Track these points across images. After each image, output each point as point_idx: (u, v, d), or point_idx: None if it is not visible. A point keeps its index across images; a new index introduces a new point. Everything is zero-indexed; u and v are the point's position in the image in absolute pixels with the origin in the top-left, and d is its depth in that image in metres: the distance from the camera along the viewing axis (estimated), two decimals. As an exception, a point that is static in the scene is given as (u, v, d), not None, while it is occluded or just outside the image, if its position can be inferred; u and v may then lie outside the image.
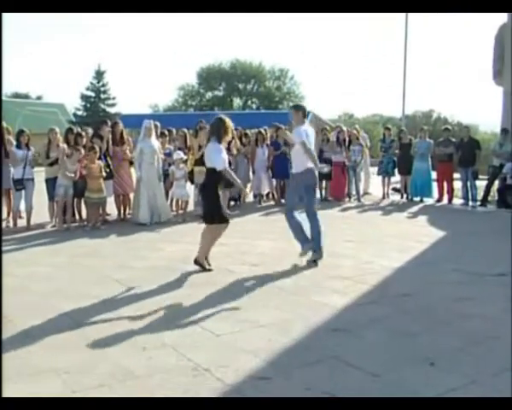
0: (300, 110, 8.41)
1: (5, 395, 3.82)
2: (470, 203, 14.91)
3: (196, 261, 7.73)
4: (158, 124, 12.96)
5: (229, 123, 7.79)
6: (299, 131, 8.18)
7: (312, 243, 8.17)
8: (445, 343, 5.05)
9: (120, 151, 12.15)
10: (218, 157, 7.59)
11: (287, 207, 8.52)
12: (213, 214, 7.72)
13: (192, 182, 12.79)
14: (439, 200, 15.54)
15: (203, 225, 7.94)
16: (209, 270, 7.65)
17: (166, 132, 14.03)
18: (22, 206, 11.26)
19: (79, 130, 12.72)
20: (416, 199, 15.69)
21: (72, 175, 10.87)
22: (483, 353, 4.83)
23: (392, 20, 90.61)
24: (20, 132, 11.31)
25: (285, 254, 8.63)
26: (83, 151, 11.17)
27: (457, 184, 15.66)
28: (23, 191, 11.02)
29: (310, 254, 8.17)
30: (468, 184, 14.99)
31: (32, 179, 11.23)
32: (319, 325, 5.53)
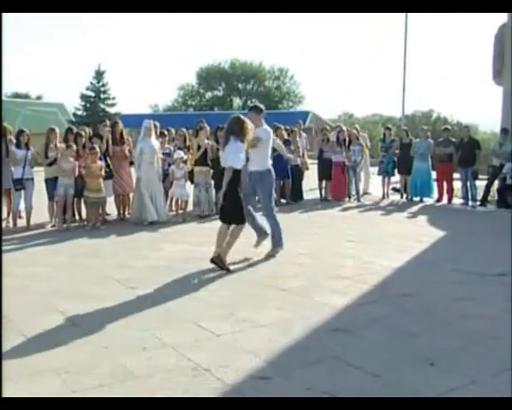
0: (261, 112, 8.62)
1: (5, 395, 3.82)
2: (470, 203, 14.91)
3: (218, 259, 7.64)
4: (157, 124, 12.95)
5: (249, 123, 7.75)
6: (266, 130, 8.56)
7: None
8: (445, 343, 5.05)
9: (120, 151, 12.14)
10: (237, 157, 7.55)
11: (269, 209, 8.63)
12: (242, 213, 7.71)
13: (192, 181, 12.80)
14: (439, 200, 15.54)
15: (203, 225, 7.94)
16: (229, 270, 7.58)
17: (166, 132, 14.03)
18: (22, 206, 11.24)
19: (76, 129, 12.69)
20: (416, 199, 15.69)
21: (70, 173, 10.86)
22: (483, 353, 4.83)
23: (392, 20, 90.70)
24: (20, 132, 11.30)
25: (285, 254, 8.62)
26: (74, 147, 11.14)
27: (457, 184, 15.67)
28: (22, 191, 11.00)
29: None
30: (468, 184, 14.99)
31: (32, 179, 11.21)
32: (319, 325, 5.53)
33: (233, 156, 7.56)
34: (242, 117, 7.78)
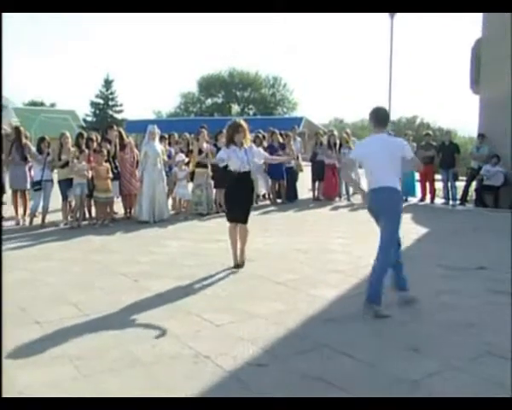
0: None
1: (22, 381, 3.82)
2: (450, 202, 14.98)
3: (240, 266, 7.54)
4: (159, 131, 12.83)
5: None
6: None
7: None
8: (428, 332, 5.07)
9: (126, 154, 12.11)
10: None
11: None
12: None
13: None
14: (422, 199, 15.58)
15: (203, 223, 7.91)
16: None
17: (166, 136, 14.02)
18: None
19: (87, 134, 12.73)
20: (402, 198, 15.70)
21: (86, 173, 10.90)
22: (461, 340, 4.85)
23: (381, 32, 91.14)
24: (42, 139, 11.40)
25: (281, 250, 8.62)
26: (86, 151, 11.17)
27: (438, 185, 15.75)
28: (42, 192, 11.01)
29: None
30: (449, 184, 15.08)
31: (51, 181, 11.29)
32: (313, 316, 5.53)
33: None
34: (240, 121, 7.52)
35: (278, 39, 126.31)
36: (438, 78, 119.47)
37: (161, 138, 13.39)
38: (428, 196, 15.53)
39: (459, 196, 15.07)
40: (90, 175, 11.03)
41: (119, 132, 12.39)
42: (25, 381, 3.91)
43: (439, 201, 15.50)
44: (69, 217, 11.09)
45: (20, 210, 11.39)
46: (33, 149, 11.30)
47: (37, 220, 11.15)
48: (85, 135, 12.24)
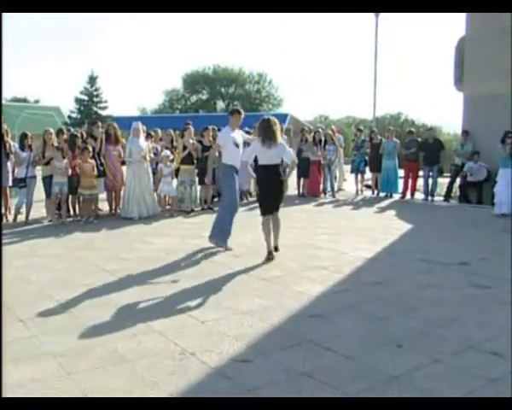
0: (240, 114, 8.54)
1: (7, 378, 3.79)
2: (434, 198, 15.10)
3: (277, 249, 8.02)
4: (144, 128, 12.81)
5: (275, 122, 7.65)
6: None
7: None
8: (412, 327, 5.10)
9: (114, 150, 12.06)
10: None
11: None
12: None
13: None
14: (403, 196, 15.70)
15: (188, 220, 7.89)
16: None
17: (152, 133, 13.96)
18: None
19: (70, 131, 12.67)
20: (386, 194, 15.80)
21: (63, 171, 10.81)
22: (444, 335, 4.89)
23: (366, 31, 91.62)
24: (24, 136, 11.28)
25: (265, 246, 8.63)
26: (65, 147, 11.10)
27: (420, 181, 15.92)
28: (25, 189, 10.94)
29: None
30: (431, 181, 15.23)
31: (35, 177, 11.26)
32: (297, 311, 5.54)
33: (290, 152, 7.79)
34: (268, 118, 7.67)
35: (264, 37, 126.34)
36: (423, 75, 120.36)
37: (148, 135, 13.36)
38: (409, 192, 15.70)
39: (443, 192, 15.20)
40: (69, 173, 10.95)
41: (114, 129, 12.32)
42: (9, 378, 3.88)
43: (422, 196, 15.63)
44: (54, 214, 11.02)
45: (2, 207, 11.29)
46: (16, 145, 11.21)
47: (21, 217, 11.09)
48: (65, 131, 12.21)
